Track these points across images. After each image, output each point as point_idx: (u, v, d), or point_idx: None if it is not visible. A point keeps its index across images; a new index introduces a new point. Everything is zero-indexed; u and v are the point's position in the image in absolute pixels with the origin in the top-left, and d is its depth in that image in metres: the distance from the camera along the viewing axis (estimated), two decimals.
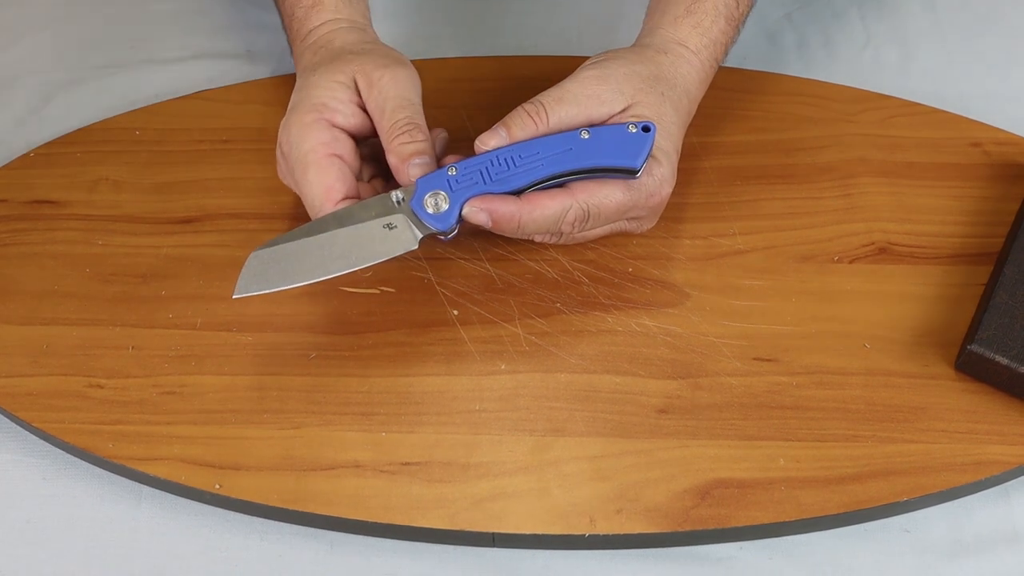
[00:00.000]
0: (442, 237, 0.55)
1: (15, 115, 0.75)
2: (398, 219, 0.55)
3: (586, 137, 0.55)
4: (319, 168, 0.56)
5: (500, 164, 0.55)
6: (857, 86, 0.72)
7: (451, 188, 0.55)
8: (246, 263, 0.54)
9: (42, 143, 0.70)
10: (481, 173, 0.55)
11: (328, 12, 0.63)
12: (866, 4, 0.82)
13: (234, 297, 0.54)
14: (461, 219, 0.55)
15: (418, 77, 0.60)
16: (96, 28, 0.81)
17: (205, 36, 0.80)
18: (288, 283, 0.54)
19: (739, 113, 0.70)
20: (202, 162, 0.68)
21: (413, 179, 0.55)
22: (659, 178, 0.57)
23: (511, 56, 0.75)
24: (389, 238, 0.55)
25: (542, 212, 0.54)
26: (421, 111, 0.57)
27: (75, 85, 0.77)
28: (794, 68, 0.75)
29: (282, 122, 0.58)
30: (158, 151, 0.69)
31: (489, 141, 0.55)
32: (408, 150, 0.55)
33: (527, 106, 0.56)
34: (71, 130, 0.70)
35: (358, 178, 0.59)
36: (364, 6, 0.66)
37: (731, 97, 0.70)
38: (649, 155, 0.55)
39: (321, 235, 0.54)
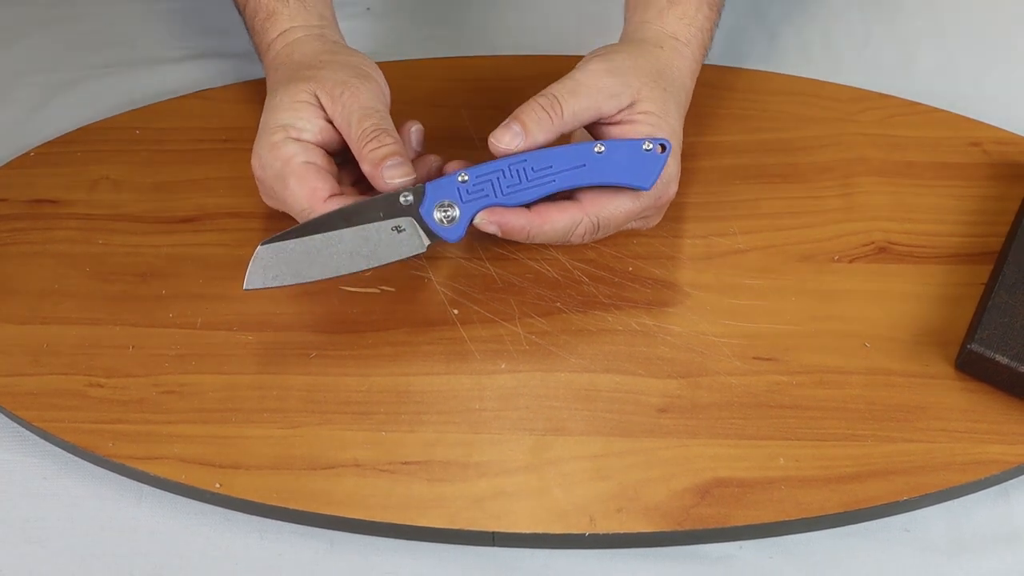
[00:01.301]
0: (449, 242, 0.56)
1: (15, 115, 0.75)
2: (406, 223, 0.55)
3: (600, 151, 0.54)
4: (297, 176, 0.56)
5: (512, 176, 0.54)
6: (857, 86, 0.72)
7: (461, 199, 0.55)
8: (254, 256, 0.54)
9: (42, 142, 0.70)
10: (492, 184, 0.54)
11: (284, 21, 0.62)
12: (866, 4, 0.82)
13: (244, 289, 0.54)
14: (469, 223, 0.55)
15: (383, 83, 0.59)
16: (96, 28, 0.81)
17: (205, 35, 0.80)
18: (297, 280, 0.54)
19: (739, 113, 0.70)
20: (202, 162, 0.68)
21: (388, 182, 0.54)
22: (666, 178, 0.57)
23: (510, 56, 0.75)
24: (397, 241, 0.55)
25: (552, 226, 0.55)
26: (387, 117, 0.57)
27: (75, 85, 0.77)
28: (794, 68, 0.75)
29: (252, 149, 0.58)
30: (158, 151, 0.69)
31: (503, 138, 0.54)
32: (379, 154, 0.55)
33: (541, 100, 0.55)
34: (71, 129, 0.70)
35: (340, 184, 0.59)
36: (323, 5, 0.64)
37: (731, 97, 0.70)
38: None
39: (329, 233, 0.54)
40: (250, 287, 0.54)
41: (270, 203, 0.60)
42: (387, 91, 0.60)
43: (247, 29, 0.65)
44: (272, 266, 0.54)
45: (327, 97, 0.57)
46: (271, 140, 0.57)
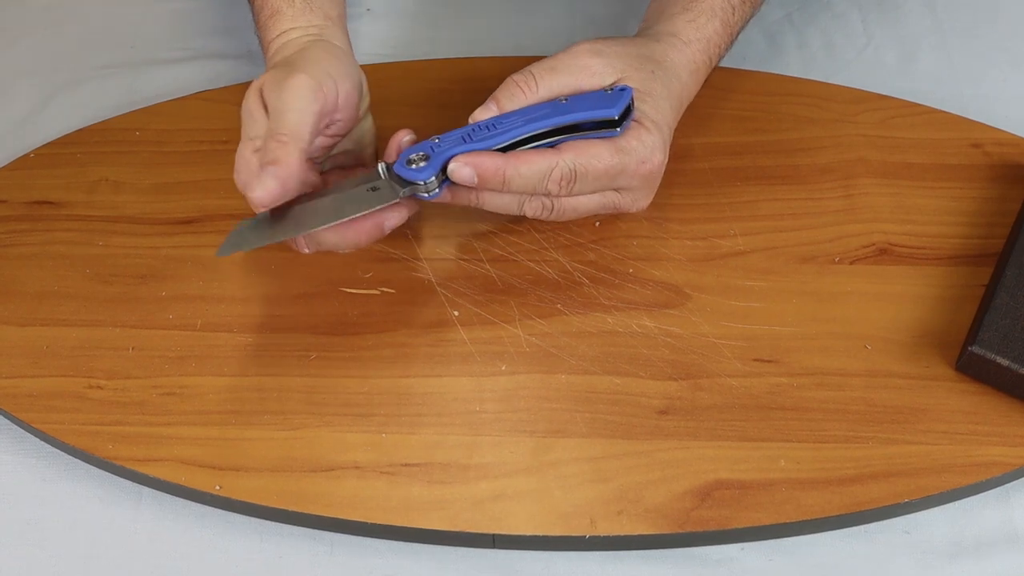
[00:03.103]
0: (424, 195, 0.55)
1: (15, 115, 0.75)
2: (381, 182, 0.55)
3: (564, 101, 0.56)
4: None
5: (482, 129, 0.55)
6: (857, 86, 0.72)
7: (434, 152, 0.55)
8: (232, 230, 0.55)
9: (42, 143, 0.70)
10: (463, 137, 0.55)
11: (286, 21, 0.61)
12: (866, 5, 0.82)
13: (216, 255, 0.54)
14: (446, 179, 0.55)
15: (319, 83, 0.54)
16: (96, 28, 0.81)
17: (205, 36, 0.80)
18: (268, 240, 0.54)
19: (739, 113, 0.70)
20: (202, 162, 0.68)
21: (254, 195, 0.52)
22: (650, 145, 0.56)
23: (511, 57, 0.75)
24: (371, 197, 0.55)
25: (528, 167, 0.54)
26: (292, 119, 0.53)
27: (75, 85, 0.77)
28: (794, 68, 0.75)
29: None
30: (158, 152, 0.69)
31: (480, 117, 0.56)
32: (256, 161, 0.53)
33: (516, 76, 0.56)
34: (71, 130, 0.70)
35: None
36: (331, 5, 0.62)
37: (731, 97, 0.70)
38: (631, 116, 0.55)
39: (308, 203, 0.54)
40: (224, 254, 0.54)
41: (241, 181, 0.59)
42: (321, 89, 0.55)
43: (255, 24, 0.65)
44: (247, 233, 0.55)
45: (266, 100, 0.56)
46: (244, 154, 0.55)
